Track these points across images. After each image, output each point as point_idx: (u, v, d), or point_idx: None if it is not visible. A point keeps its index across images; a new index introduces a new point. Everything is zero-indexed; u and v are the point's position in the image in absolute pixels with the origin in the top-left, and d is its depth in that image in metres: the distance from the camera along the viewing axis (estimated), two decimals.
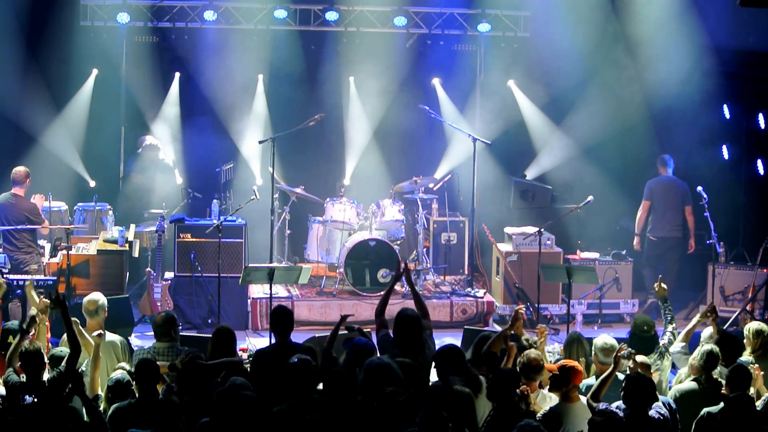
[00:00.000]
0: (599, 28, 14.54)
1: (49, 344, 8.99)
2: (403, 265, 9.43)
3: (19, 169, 12.41)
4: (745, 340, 8.95)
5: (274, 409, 7.23)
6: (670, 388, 8.72)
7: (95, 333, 8.59)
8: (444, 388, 7.25)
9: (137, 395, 7.58)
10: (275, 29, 14.87)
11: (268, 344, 9.86)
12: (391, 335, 8.51)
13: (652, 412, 7.39)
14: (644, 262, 14.04)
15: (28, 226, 12.14)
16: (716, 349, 8.35)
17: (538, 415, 7.49)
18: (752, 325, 9.07)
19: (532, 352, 8.18)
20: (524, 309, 9.21)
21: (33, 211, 12.27)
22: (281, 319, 8.55)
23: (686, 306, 13.93)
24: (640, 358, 8.30)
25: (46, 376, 7.75)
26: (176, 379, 7.82)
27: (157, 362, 7.84)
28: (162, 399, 7.43)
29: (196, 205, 14.40)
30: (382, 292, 13.03)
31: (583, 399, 7.76)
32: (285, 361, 7.52)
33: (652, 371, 8.54)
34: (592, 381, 8.22)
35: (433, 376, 8.03)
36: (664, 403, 7.68)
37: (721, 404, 7.50)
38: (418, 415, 6.79)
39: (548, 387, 7.93)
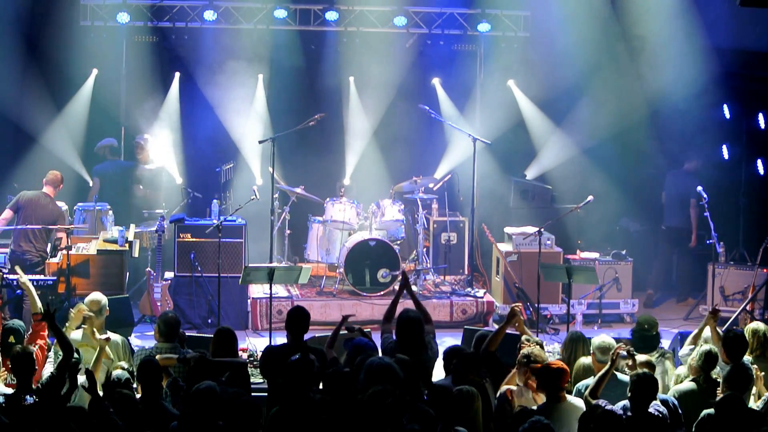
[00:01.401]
0: (599, 28, 14.54)
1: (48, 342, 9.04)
2: (401, 275, 9.42)
3: (56, 173, 12.60)
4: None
5: (272, 410, 7.25)
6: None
7: (103, 337, 8.62)
8: (444, 389, 7.25)
9: (139, 395, 7.60)
10: (275, 29, 14.87)
11: (276, 343, 9.90)
12: (394, 337, 8.52)
13: (651, 410, 7.41)
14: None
15: (52, 227, 12.20)
16: (714, 349, 8.36)
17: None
18: (750, 326, 9.10)
19: (534, 350, 8.20)
20: (520, 306, 9.21)
21: (63, 219, 12.40)
22: (297, 319, 8.54)
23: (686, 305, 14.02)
24: (642, 357, 8.29)
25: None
26: (187, 375, 7.86)
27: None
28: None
29: (196, 205, 14.40)
30: (382, 292, 13.25)
31: (569, 398, 7.76)
32: None
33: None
34: (590, 381, 8.22)
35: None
36: (668, 402, 7.69)
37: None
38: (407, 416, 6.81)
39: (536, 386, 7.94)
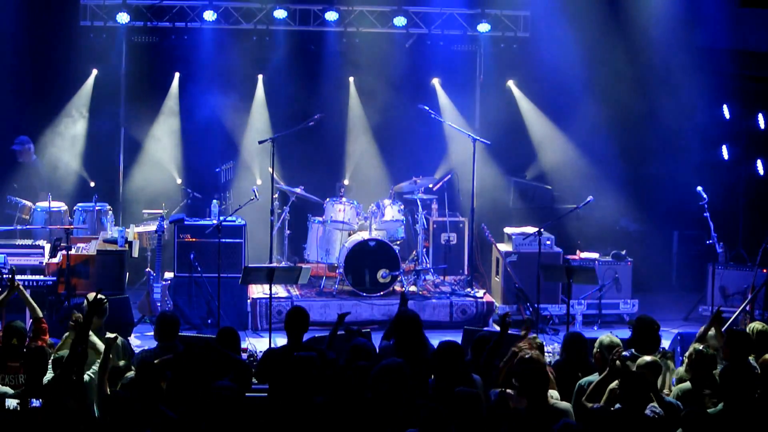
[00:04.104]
0: (599, 28, 14.53)
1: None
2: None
3: None
4: None
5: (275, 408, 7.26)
6: None
7: (111, 336, 8.60)
8: (448, 390, 7.22)
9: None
10: (275, 29, 14.87)
11: (272, 345, 9.90)
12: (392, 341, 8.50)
13: (647, 411, 7.39)
14: None
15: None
16: (699, 346, 8.28)
17: None
18: (750, 326, 9.08)
19: (533, 354, 8.16)
20: (510, 316, 9.04)
21: None
22: (296, 320, 8.53)
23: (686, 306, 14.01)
24: (648, 357, 8.24)
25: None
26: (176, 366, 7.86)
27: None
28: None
29: (196, 205, 14.41)
30: (382, 292, 13.27)
31: (554, 401, 7.66)
32: None
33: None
34: (593, 378, 8.17)
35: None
36: (672, 404, 7.66)
37: (720, 405, 7.51)
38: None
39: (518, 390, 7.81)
